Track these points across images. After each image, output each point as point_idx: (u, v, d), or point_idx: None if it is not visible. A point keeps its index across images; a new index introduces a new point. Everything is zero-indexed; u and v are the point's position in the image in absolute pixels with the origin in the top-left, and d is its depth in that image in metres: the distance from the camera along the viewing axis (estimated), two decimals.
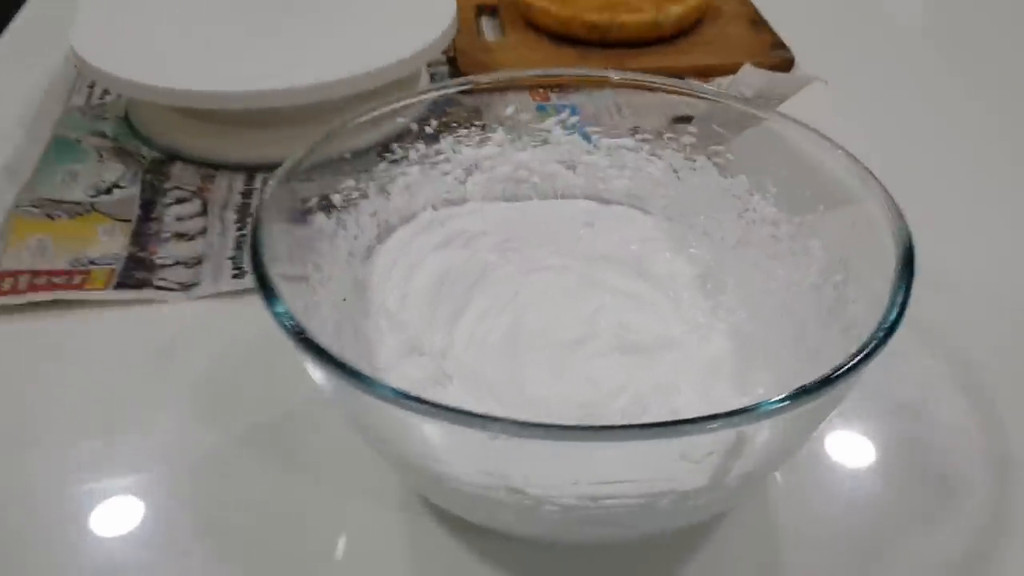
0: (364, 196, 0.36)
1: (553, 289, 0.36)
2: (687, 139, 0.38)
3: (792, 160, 0.35)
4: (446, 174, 0.39)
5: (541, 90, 0.55)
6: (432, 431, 0.24)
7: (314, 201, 0.34)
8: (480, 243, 0.37)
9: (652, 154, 0.39)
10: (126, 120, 0.53)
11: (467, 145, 0.39)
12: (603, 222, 0.39)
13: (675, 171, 0.38)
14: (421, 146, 0.38)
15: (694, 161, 0.38)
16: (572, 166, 0.40)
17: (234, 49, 0.50)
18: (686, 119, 0.52)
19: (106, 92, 0.56)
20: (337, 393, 0.26)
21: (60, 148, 0.50)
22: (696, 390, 0.31)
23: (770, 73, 0.54)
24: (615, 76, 0.39)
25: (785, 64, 0.58)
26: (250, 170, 0.49)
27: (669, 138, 0.38)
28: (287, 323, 0.25)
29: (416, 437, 0.25)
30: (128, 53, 0.49)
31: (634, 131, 0.39)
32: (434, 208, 0.38)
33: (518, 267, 0.37)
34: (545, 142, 0.40)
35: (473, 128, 0.39)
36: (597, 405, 0.31)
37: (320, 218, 0.34)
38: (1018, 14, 0.68)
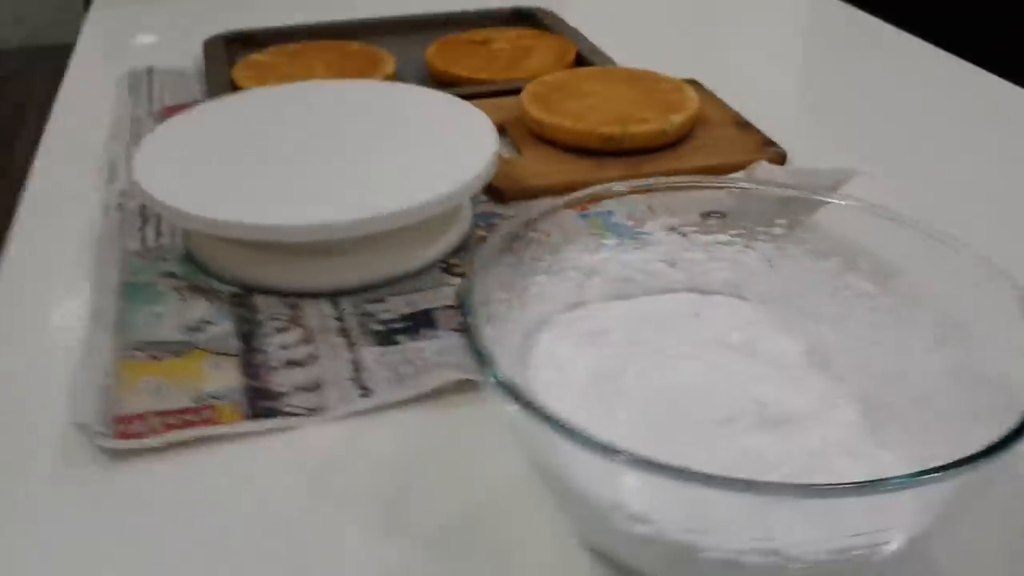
0: (509, 305, 0.39)
1: (686, 375, 0.40)
2: (777, 230, 0.43)
3: (872, 236, 0.41)
4: (569, 280, 0.42)
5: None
6: (699, 496, 0.27)
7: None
8: (608, 339, 0.41)
9: (746, 246, 0.44)
10: (188, 259, 0.55)
11: (584, 252, 0.43)
12: (708, 311, 0.43)
13: (768, 260, 0.43)
14: (547, 255, 0.42)
15: (784, 249, 0.43)
16: (673, 263, 0.44)
17: (296, 182, 0.53)
18: (717, 214, 0.58)
19: (159, 234, 0.57)
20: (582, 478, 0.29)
21: (134, 292, 0.52)
22: (848, 455, 0.36)
23: (803, 169, 0.59)
24: (711, 181, 0.44)
25: (780, 159, 0.65)
26: (329, 295, 0.51)
27: (761, 231, 0.43)
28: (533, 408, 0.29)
29: (678, 504, 0.28)
30: (196, 190, 0.51)
31: (730, 227, 0.44)
32: (561, 312, 0.42)
33: (649, 359, 0.40)
34: (646, 244, 0.44)
35: (590, 236, 0.43)
36: (765, 476, 0.35)
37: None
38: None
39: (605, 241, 0.44)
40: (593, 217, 0.59)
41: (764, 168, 0.60)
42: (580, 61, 0.81)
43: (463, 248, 0.56)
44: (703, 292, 0.44)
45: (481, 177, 0.53)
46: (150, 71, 0.82)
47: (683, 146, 0.66)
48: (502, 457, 0.41)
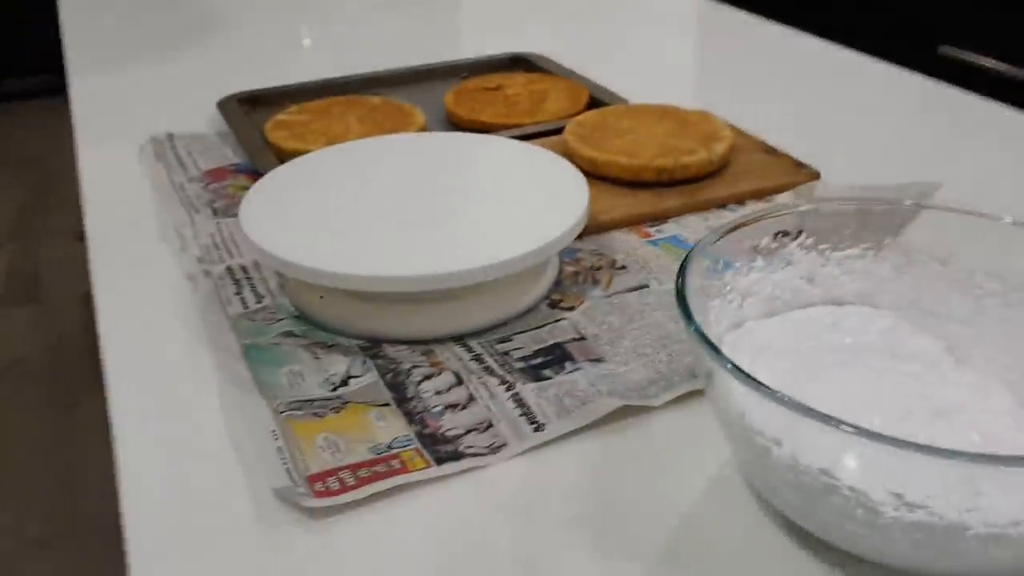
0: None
1: (850, 380, 0.44)
2: (904, 241, 0.48)
3: (985, 237, 0.45)
4: (731, 302, 0.46)
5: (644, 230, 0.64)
6: (971, 474, 0.31)
7: None
8: (770, 355, 0.44)
9: (877, 257, 0.48)
10: (301, 318, 0.55)
11: (738, 275, 0.46)
12: (846, 321, 0.47)
13: (897, 268, 0.48)
14: (716, 280, 0.45)
15: (911, 256, 0.47)
16: (811, 279, 0.48)
17: (411, 233, 0.54)
18: (785, 233, 0.62)
19: (260, 296, 0.58)
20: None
21: (260, 354, 0.52)
22: (1020, 433, 0.40)
23: (875, 186, 0.64)
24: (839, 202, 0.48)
25: (815, 177, 0.70)
26: (455, 339, 0.53)
27: (887, 243, 0.48)
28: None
29: (953, 485, 0.32)
30: (319, 247, 0.52)
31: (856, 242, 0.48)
32: (728, 331, 0.45)
33: (811, 369, 0.44)
34: (788, 263, 0.48)
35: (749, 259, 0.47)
36: None
37: None
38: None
39: (755, 263, 0.47)
40: (664, 244, 0.63)
41: (825, 187, 0.65)
42: (593, 101, 0.85)
43: (558, 283, 0.59)
44: (839, 303, 0.48)
45: (581, 221, 0.56)
46: (171, 137, 0.82)
47: (727, 173, 0.71)
48: (686, 469, 0.44)
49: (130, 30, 1.18)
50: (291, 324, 0.55)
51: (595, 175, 0.70)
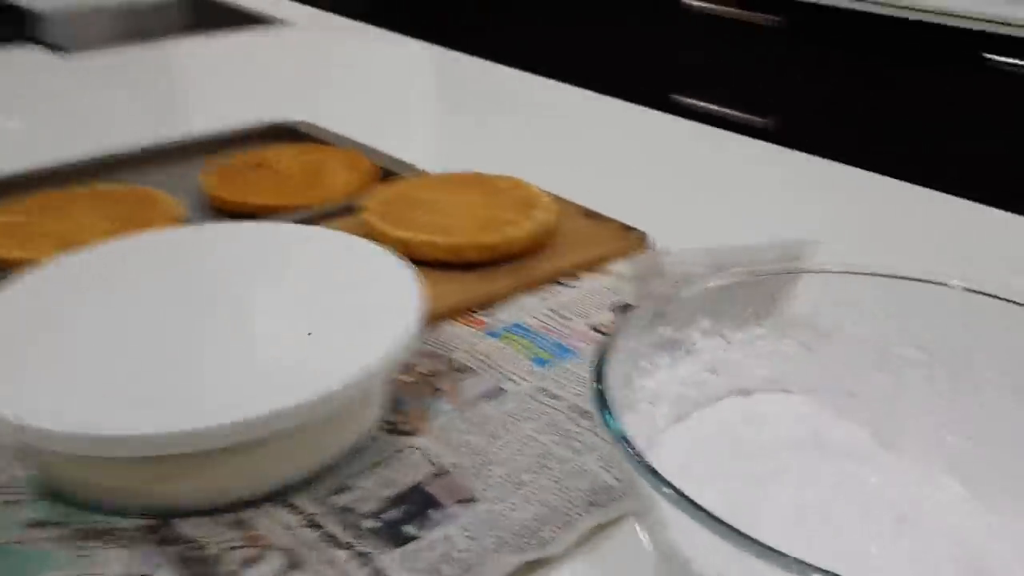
0: None
1: (786, 493, 0.36)
2: (803, 314, 0.41)
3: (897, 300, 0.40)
4: (642, 413, 0.37)
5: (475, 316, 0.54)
6: None
7: None
8: (694, 476, 0.36)
9: (783, 335, 0.41)
10: (56, 496, 0.40)
11: (646, 377, 0.38)
12: (759, 414, 0.40)
13: (805, 346, 0.41)
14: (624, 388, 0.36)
15: (817, 331, 0.41)
16: (714, 370, 0.40)
17: (187, 369, 0.41)
18: (625, 307, 0.55)
19: None
20: None
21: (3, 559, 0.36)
22: (984, 520, 0.34)
23: (734, 247, 0.57)
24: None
25: (644, 241, 0.64)
26: (276, 498, 0.40)
27: (773, 315, 0.41)
28: None
29: None
30: (63, 401, 0.38)
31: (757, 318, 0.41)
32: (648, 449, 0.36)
33: (743, 489, 0.36)
34: (689, 352, 0.40)
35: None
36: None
37: None
38: None
39: (659, 360, 0.39)
40: (505, 335, 0.53)
41: (672, 255, 0.59)
42: (383, 173, 0.75)
43: (393, 400, 0.47)
44: (747, 393, 0.41)
45: (418, 330, 0.44)
46: None
47: (556, 244, 0.63)
48: None
49: None
50: (41, 509, 0.39)
51: (408, 259, 0.59)
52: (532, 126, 0.93)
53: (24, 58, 1.16)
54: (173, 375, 0.40)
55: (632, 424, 0.36)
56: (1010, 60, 1.23)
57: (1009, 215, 0.71)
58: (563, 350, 0.52)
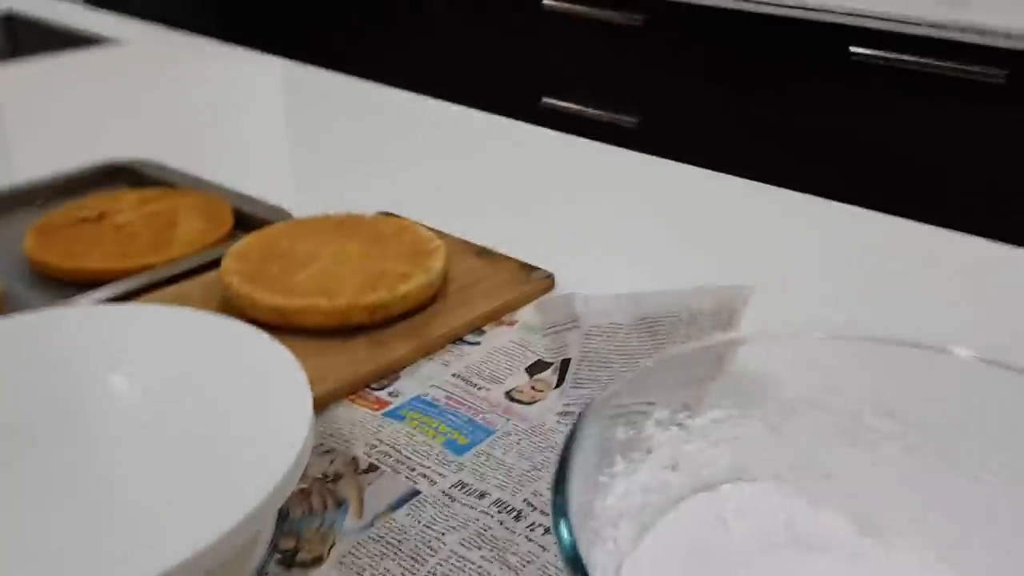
0: None
1: None
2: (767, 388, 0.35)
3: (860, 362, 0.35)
4: (606, 540, 0.30)
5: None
6: None
7: None
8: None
9: (743, 416, 0.35)
10: None
11: (605, 493, 0.31)
12: (728, 511, 0.34)
13: (770, 426, 0.35)
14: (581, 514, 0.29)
15: (781, 409, 0.35)
16: (674, 466, 0.34)
17: None
18: (544, 365, 0.49)
19: None
20: None
21: None
22: None
23: (655, 293, 0.50)
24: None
25: (550, 282, 0.57)
26: None
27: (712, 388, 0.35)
28: None
29: None
30: None
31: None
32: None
33: None
34: (648, 451, 0.33)
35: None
36: None
37: None
38: None
39: (614, 468, 0.32)
40: (409, 415, 0.46)
41: (579, 302, 0.52)
42: (240, 219, 0.66)
43: (283, 520, 0.39)
44: (710, 487, 0.35)
45: (306, 450, 0.35)
46: None
47: (453, 294, 0.55)
48: None
49: None
50: None
51: (283, 327, 0.51)
52: (403, 149, 0.85)
53: None
54: None
55: (598, 558, 0.29)
56: (877, 53, 1.24)
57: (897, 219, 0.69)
58: (478, 429, 0.45)
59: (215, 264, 0.57)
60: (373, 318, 0.51)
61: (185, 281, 0.56)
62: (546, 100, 1.75)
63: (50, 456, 0.35)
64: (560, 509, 0.26)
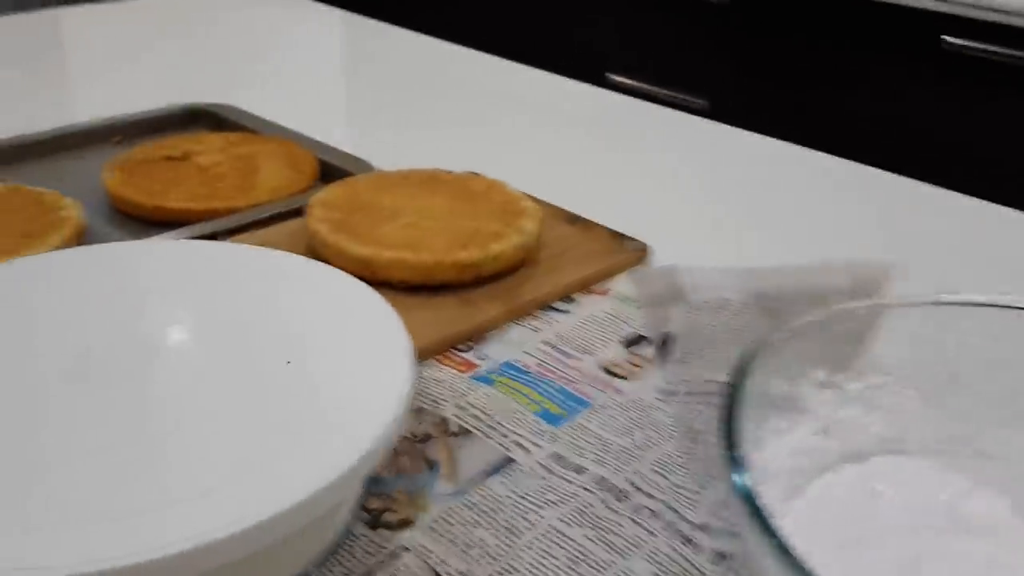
0: None
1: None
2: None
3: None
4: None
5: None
6: None
7: None
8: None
9: (902, 385, 0.33)
10: None
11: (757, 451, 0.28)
12: (879, 486, 0.31)
13: (926, 397, 0.32)
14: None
15: (936, 381, 0.32)
16: (826, 430, 0.33)
17: (66, 477, 0.30)
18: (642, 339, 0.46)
19: None
20: None
21: None
22: None
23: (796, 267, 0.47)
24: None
25: (642, 252, 0.55)
26: None
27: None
28: None
29: None
30: None
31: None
32: None
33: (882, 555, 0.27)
34: (802, 412, 0.32)
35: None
36: None
37: None
38: None
39: (766, 423, 0.30)
40: (499, 379, 0.43)
41: (683, 275, 0.49)
42: (325, 169, 0.64)
43: (374, 481, 0.37)
44: (861, 459, 0.33)
45: (405, 404, 0.33)
46: None
47: (539, 258, 0.53)
48: None
49: None
50: None
51: (369, 280, 0.49)
52: (487, 111, 0.82)
53: None
54: (60, 474, 0.29)
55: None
56: (971, 43, 1.19)
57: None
58: (572, 399, 0.42)
59: (298, 213, 0.55)
60: (461, 277, 0.49)
61: (270, 227, 0.55)
62: (611, 76, 1.70)
63: (141, 390, 0.33)
64: (737, 463, 0.24)
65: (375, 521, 0.35)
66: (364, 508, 0.35)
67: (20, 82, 0.84)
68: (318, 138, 0.68)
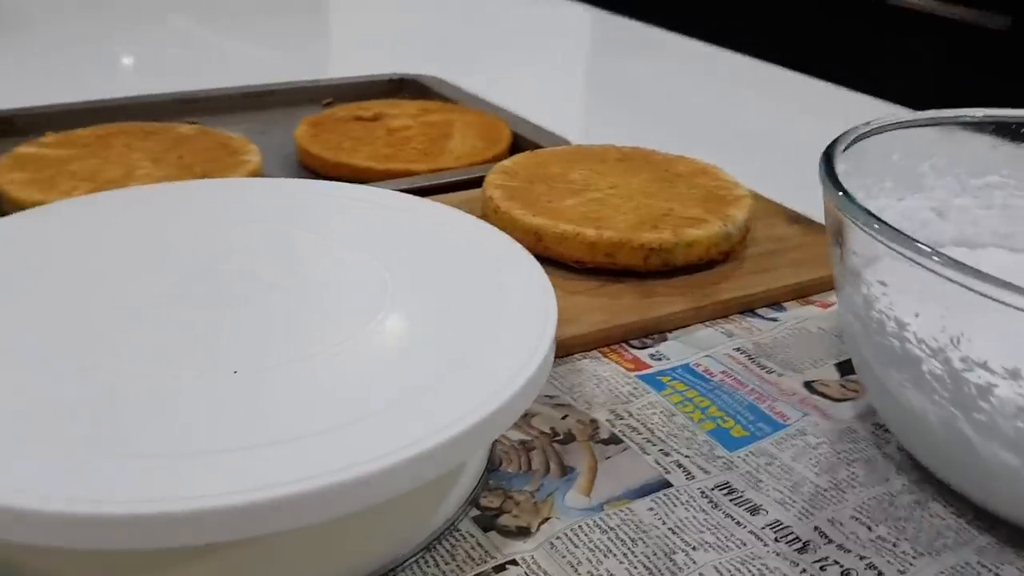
0: None
1: None
2: None
3: None
4: None
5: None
6: None
7: None
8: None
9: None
10: None
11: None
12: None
13: None
14: None
15: None
16: (941, 212, 0.36)
17: (191, 402, 0.25)
18: None
19: None
20: None
21: None
22: None
23: None
24: None
25: None
26: None
27: None
28: None
29: None
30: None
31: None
32: None
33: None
34: (919, 189, 0.36)
35: None
36: None
37: None
38: None
39: (884, 184, 0.35)
40: (671, 384, 0.35)
41: None
42: (518, 142, 0.58)
43: (493, 472, 0.30)
44: (971, 246, 0.36)
45: (543, 369, 0.28)
46: None
47: (746, 256, 0.44)
48: None
49: None
50: None
51: (539, 256, 0.42)
52: (709, 102, 0.74)
53: None
54: (169, 413, 0.25)
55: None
56: None
57: None
58: (762, 419, 0.34)
59: (481, 183, 0.50)
60: (647, 263, 0.41)
61: (448, 194, 0.50)
62: None
63: (290, 317, 0.29)
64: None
65: (488, 522, 0.28)
66: (477, 503, 0.29)
67: (281, 36, 0.86)
68: (521, 114, 0.63)
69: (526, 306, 0.30)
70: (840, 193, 0.28)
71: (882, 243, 0.25)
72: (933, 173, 0.36)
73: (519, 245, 0.34)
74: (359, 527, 0.25)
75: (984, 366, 0.24)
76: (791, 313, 0.41)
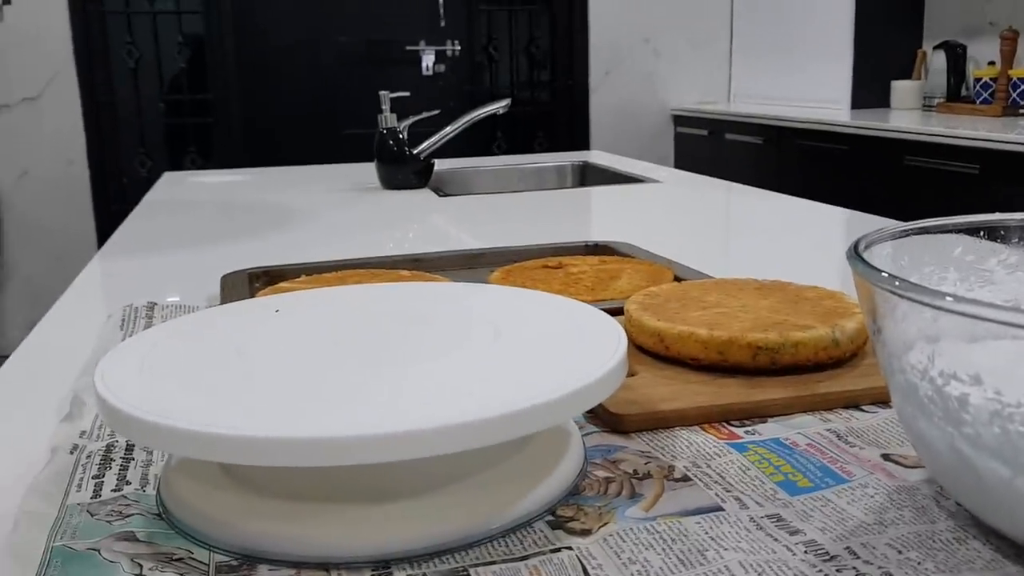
0: None
1: None
2: None
3: None
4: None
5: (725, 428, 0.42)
6: None
7: None
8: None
9: None
10: (160, 515, 0.35)
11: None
12: None
13: None
14: None
15: None
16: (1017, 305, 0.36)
17: (341, 389, 0.35)
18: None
19: (124, 483, 0.38)
20: None
21: (65, 564, 0.32)
22: None
23: None
24: None
25: None
26: (372, 565, 0.32)
27: None
28: None
29: None
30: (192, 403, 0.33)
31: None
32: None
33: None
34: (989, 283, 0.37)
35: None
36: None
37: None
38: None
39: (946, 274, 0.37)
40: (754, 449, 0.40)
41: None
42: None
43: (574, 492, 0.36)
44: None
45: (606, 383, 0.35)
46: (151, 306, 0.67)
47: (859, 363, 0.48)
48: None
49: (207, 223, 1.10)
50: (139, 523, 0.35)
51: (663, 356, 0.49)
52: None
53: (422, 196, 1.27)
54: (326, 392, 0.34)
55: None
56: None
57: None
58: (831, 476, 0.37)
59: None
60: (755, 360, 0.46)
61: None
62: None
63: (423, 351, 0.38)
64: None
65: (558, 524, 0.34)
66: (554, 512, 0.35)
67: (514, 223, 1.01)
68: (695, 267, 0.70)
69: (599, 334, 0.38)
70: (855, 260, 0.33)
71: (875, 284, 0.30)
72: (1001, 268, 0.37)
73: (605, 313, 0.42)
74: (471, 487, 0.33)
75: (955, 376, 0.28)
76: (891, 410, 0.44)
